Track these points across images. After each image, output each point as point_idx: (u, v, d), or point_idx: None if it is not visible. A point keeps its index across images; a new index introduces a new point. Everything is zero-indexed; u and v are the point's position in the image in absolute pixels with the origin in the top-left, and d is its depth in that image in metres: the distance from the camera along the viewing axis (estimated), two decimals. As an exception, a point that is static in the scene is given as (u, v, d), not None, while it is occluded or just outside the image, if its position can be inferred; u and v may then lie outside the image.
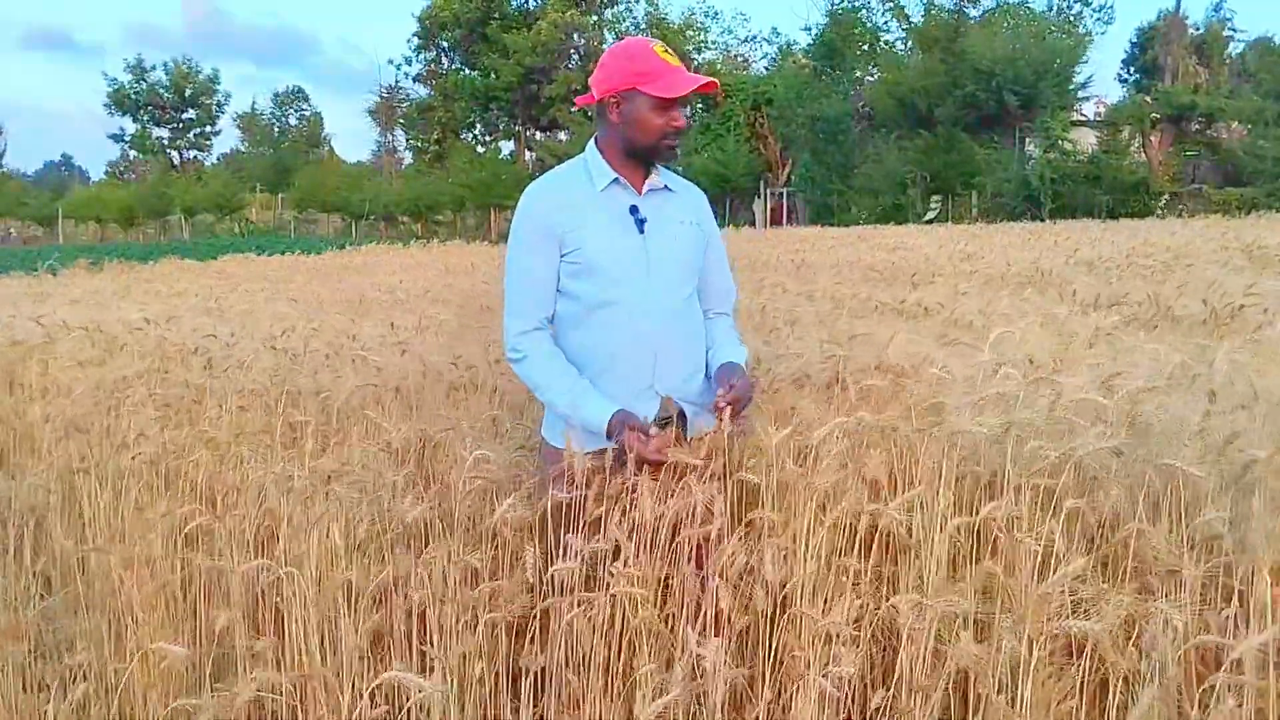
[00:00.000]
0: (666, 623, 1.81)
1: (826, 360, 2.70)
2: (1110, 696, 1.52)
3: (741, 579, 1.79)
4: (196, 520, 1.96)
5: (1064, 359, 2.47)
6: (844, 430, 1.99)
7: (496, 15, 43.56)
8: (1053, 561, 1.57)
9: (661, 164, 2.12)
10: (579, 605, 1.76)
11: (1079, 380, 2.06)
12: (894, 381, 2.53)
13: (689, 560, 1.84)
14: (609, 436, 1.96)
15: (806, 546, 1.83)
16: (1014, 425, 1.85)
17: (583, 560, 1.78)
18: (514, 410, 2.91)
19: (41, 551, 2.42)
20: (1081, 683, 1.53)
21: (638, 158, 2.09)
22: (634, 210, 2.09)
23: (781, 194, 36.37)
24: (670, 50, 2.04)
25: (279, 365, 3.21)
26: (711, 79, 2.02)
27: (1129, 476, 1.79)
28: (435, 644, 1.75)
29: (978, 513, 1.76)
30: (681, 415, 2.11)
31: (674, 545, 1.83)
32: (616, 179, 2.09)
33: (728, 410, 1.92)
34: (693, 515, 1.82)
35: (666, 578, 1.84)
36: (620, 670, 1.77)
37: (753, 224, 33.69)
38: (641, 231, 2.08)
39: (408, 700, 1.57)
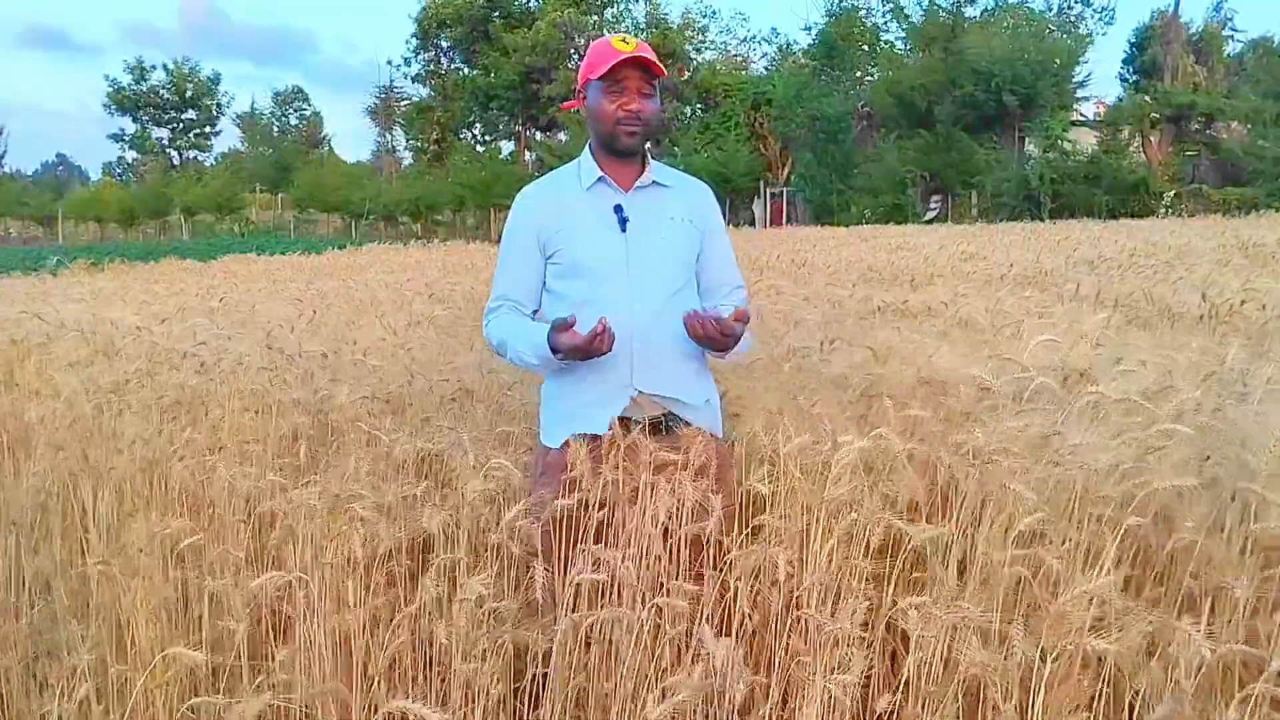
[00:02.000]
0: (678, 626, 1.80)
1: (828, 361, 2.67)
2: (1127, 710, 1.50)
3: (754, 580, 1.78)
4: (191, 539, 1.94)
5: (1089, 367, 2.41)
6: (866, 452, 1.94)
7: (499, 13, 43.55)
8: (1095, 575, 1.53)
9: (623, 151, 2.11)
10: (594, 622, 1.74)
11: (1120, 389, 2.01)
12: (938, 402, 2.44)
13: (686, 561, 1.84)
14: (555, 352, 1.97)
15: (809, 549, 1.81)
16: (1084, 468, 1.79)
17: (597, 567, 1.77)
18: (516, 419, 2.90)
19: (41, 554, 2.41)
20: (1098, 695, 1.51)
21: (608, 151, 2.12)
22: (618, 209, 2.10)
23: (782, 193, 36.34)
24: (630, 39, 2.05)
25: (277, 366, 3.19)
26: (641, 53, 2.01)
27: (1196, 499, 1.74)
28: (450, 669, 1.73)
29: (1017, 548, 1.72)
30: (666, 417, 2.10)
31: (669, 547, 1.83)
32: (602, 178, 2.12)
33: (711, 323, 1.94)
34: (687, 514, 1.81)
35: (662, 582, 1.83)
36: (645, 674, 1.75)
37: (753, 223, 33.71)
38: (623, 230, 2.09)
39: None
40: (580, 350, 1.91)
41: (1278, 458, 1.71)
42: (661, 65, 2.07)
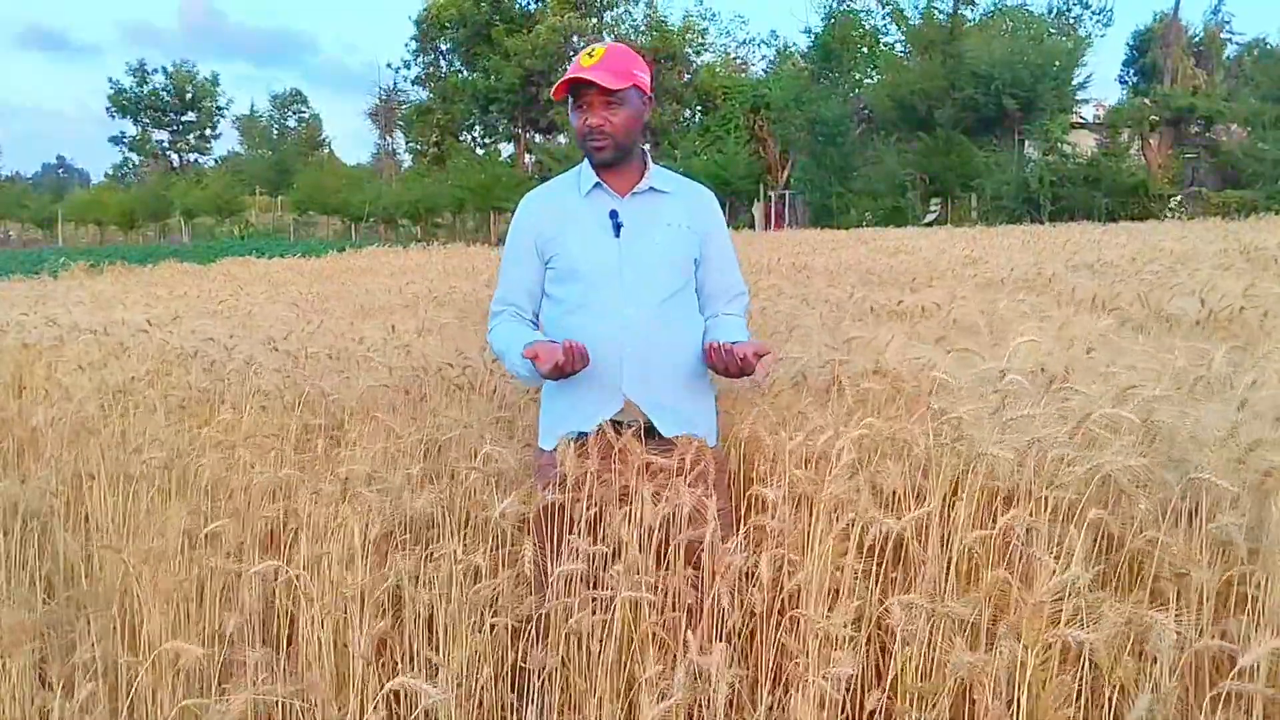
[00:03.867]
0: (665, 626, 1.82)
1: (825, 364, 2.69)
2: (1108, 705, 1.52)
3: (741, 582, 1.80)
4: (213, 525, 1.97)
5: (1073, 365, 2.45)
6: (857, 441, 1.98)
7: (499, 17, 43.62)
8: (1067, 570, 1.56)
9: (598, 164, 2.14)
10: (581, 606, 1.77)
11: (1095, 389, 2.05)
12: (892, 385, 2.52)
13: (685, 563, 1.86)
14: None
15: (812, 551, 1.83)
16: (1038, 442, 1.84)
17: (585, 560, 1.80)
18: (515, 409, 2.93)
19: (45, 555, 2.43)
20: (1080, 690, 1.53)
21: (591, 161, 2.15)
22: (613, 214, 2.13)
23: (783, 196, 36.34)
24: (596, 51, 2.08)
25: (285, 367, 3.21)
26: (582, 73, 2.02)
27: (1149, 485, 1.78)
28: (441, 646, 1.77)
29: (995, 524, 1.76)
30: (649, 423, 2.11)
31: (667, 549, 1.85)
32: (598, 184, 2.15)
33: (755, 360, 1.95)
34: (683, 520, 1.83)
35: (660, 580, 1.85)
36: (623, 671, 1.77)
37: (752, 226, 33.72)
38: (617, 235, 2.11)
39: (415, 707, 1.57)
40: (557, 369, 1.93)
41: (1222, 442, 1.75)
42: (625, 73, 2.05)
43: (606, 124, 2.07)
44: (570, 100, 2.10)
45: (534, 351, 1.94)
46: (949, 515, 1.90)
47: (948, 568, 1.85)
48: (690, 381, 2.17)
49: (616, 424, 2.07)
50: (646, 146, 2.21)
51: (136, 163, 61.95)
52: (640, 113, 2.13)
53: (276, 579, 1.90)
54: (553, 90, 2.08)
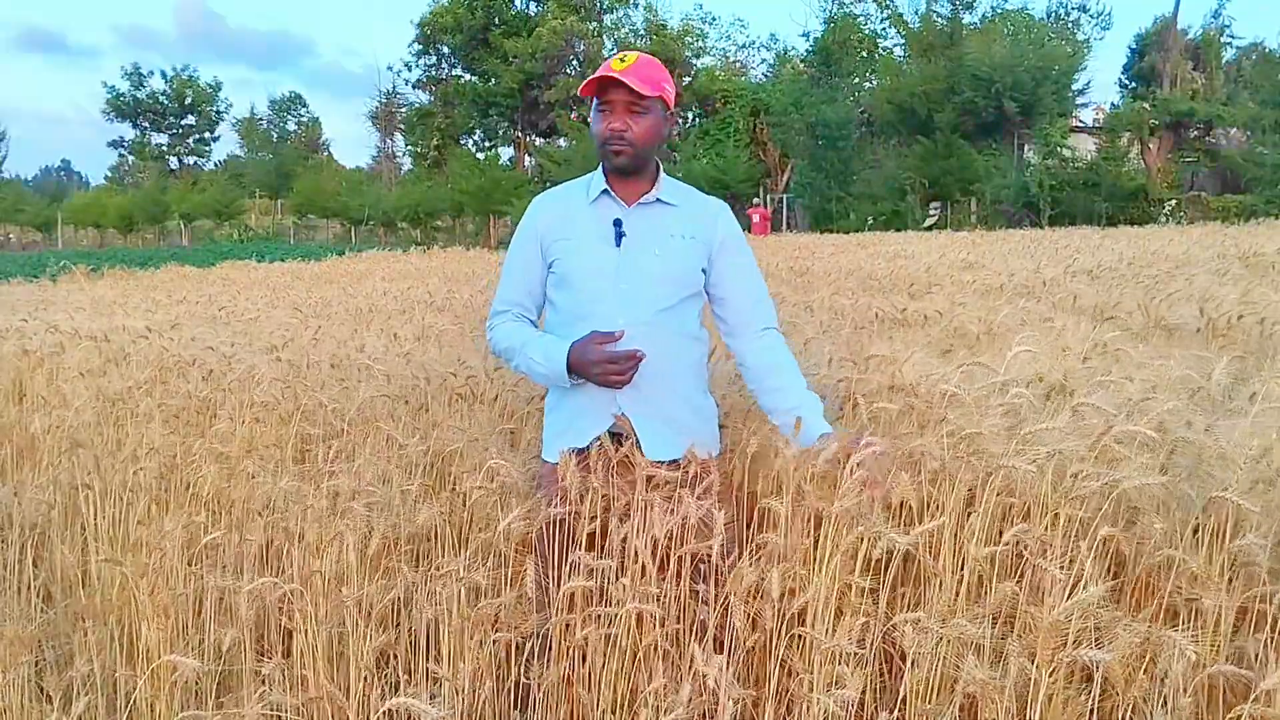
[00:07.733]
0: (672, 641, 1.81)
1: (839, 381, 2.67)
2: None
3: (750, 598, 1.79)
4: (210, 535, 1.96)
5: (1076, 375, 2.44)
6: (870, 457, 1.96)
7: (498, 21, 43.64)
8: (1080, 588, 1.55)
9: (614, 169, 2.11)
10: (587, 622, 1.77)
11: (1102, 399, 2.04)
12: (906, 401, 2.48)
13: (691, 578, 1.85)
14: (571, 371, 2.01)
15: (819, 568, 1.82)
16: (1057, 455, 1.82)
17: (590, 574, 1.79)
18: (519, 419, 2.92)
19: (41, 565, 2.42)
20: (1093, 710, 1.51)
21: (607, 167, 2.13)
22: (617, 223, 2.11)
23: (782, 199, 36.32)
24: (628, 57, 2.06)
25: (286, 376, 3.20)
26: (620, 75, 2.00)
27: (1167, 502, 1.76)
28: (443, 661, 1.76)
29: (1002, 536, 1.74)
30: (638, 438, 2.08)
31: (671, 563, 1.84)
32: (606, 191, 2.14)
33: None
34: (689, 532, 1.82)
35: (664, 595, 1.84)
36: (627, 687, 1.77)
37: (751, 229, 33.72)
38: (618, 245, 2.10)
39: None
40: (599, 364, 1.96)
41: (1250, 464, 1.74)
42: (654, 82, 2.04)
43: (629, 130, 2.04)
44: (594, 102, 2.08)
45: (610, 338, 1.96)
46: (960, 530, 1.88)
47: (957, 587, 1.84)
48: (689, 395, 2.15)
49: (616, 436, 2.06)
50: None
51: (131, 164, 61.77)
52: (662, 125, 2.10)
53: (274, 592, 1.89)
54: (581, 87, 2.04)
